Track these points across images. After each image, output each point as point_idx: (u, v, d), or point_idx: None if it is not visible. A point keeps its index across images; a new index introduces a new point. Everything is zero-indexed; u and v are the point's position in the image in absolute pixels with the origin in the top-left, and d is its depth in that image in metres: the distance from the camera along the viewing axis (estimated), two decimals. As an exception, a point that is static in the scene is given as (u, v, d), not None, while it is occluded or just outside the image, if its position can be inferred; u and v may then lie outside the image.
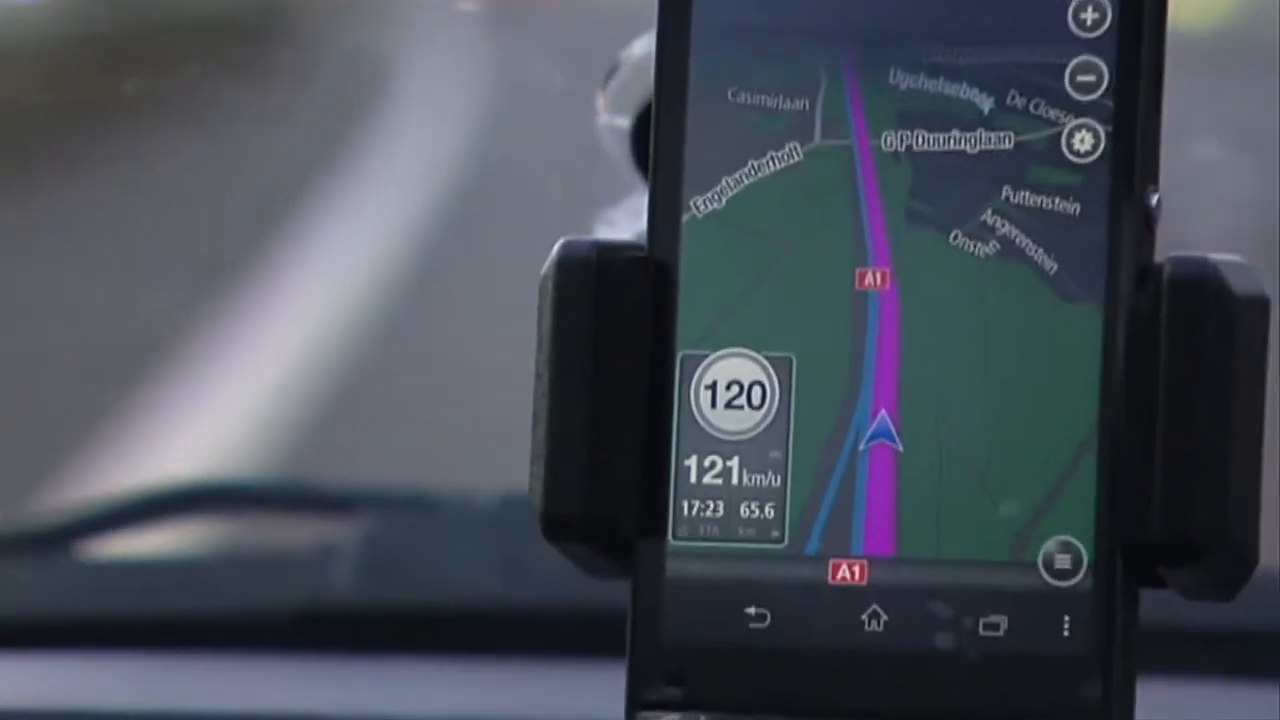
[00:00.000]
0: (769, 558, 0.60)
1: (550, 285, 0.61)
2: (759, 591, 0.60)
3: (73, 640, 0.97)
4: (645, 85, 0.64)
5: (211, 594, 1.01)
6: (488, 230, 8.00)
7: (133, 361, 6.70)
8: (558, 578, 0.63)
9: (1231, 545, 0.59)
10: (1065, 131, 0.59)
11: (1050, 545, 0.58)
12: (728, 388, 0.60)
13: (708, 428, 0.61)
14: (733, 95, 0.61)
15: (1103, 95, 0.59)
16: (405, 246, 9.11)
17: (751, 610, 0.60)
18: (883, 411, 0.59)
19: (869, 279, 0.60)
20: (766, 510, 0.60)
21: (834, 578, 0.59)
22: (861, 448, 0.59)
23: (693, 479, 0.60)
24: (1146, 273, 0.59)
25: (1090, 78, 0.59)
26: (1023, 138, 0.60)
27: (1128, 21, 0.59)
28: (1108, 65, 0.59)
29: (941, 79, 0.61)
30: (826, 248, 0.61)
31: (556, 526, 0.61)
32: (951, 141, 0.60)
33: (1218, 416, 0.59)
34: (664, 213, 0.61)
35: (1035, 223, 0.60)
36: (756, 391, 0.60)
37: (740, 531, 0.60)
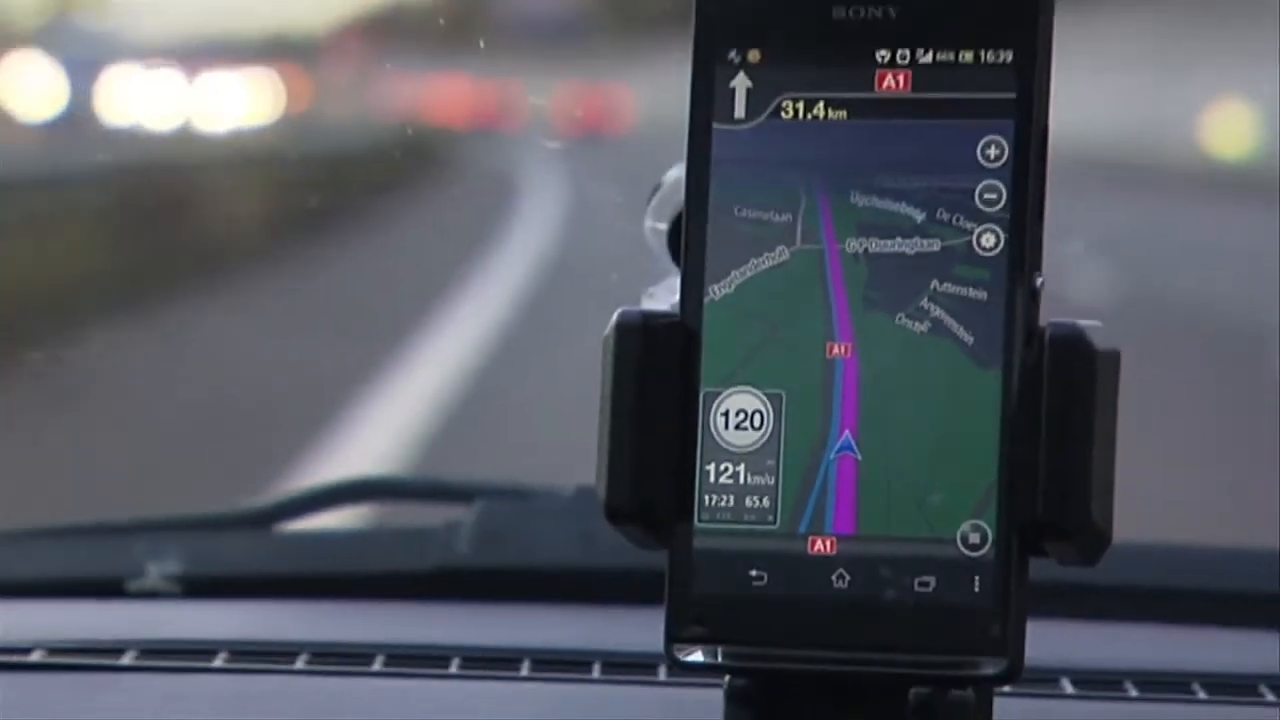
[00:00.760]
0: (766, 535, 0.60)
1: (610, 341, 0.61)
2: (759, 559, 0.60)
3: (272, 592, 0.98)
4: (677, 201, 0.63)
5: (370, 558, 1.01)
6: (567, 299, 8.01)
7: (321, 394, 6.75)
8: (616, 548, 0.63)
9: (1093, 528, 0.59)
10: (975, 236, 0.59)
11: (965, 527, 0.59)
12: (737, 414, 0.60)
13: (722, 442, 0.60)
14: (738, 211, 0.61)
15: (1002, 209, 0.59)
16: (515, 309, 9.16)
17: (754, 572, 0.60)
18: (847, 432, 0.59)
19: (836, 350, 0.60)
20: (764, 501, 0.60)
21: (812, 549, 0.59)
22: (831, 457, 0.59)
23: (711, 479, 0.60)
24: (1033, 334, 0.59)
25: (993, 195, 0.59)
26: (947, 243, 0.59)
27: (1019, 156, 0.59)
28: (1005, 187, 0.59)
29: (887, 199, 0.60)
30: (806, 325, 0.60)
31: (615, 513, 0.61)
32: (895, 245, 0.60)
33: (1084, 437, 0.59)
34: (691, 294, 0.61)
35: (956, 306, 0.60)
36: (757, 417, 0.60)
37: (746, 517, 0.60)
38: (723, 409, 0.61)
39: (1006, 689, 0.61)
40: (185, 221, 13.51)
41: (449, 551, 0.96)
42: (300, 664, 0.83)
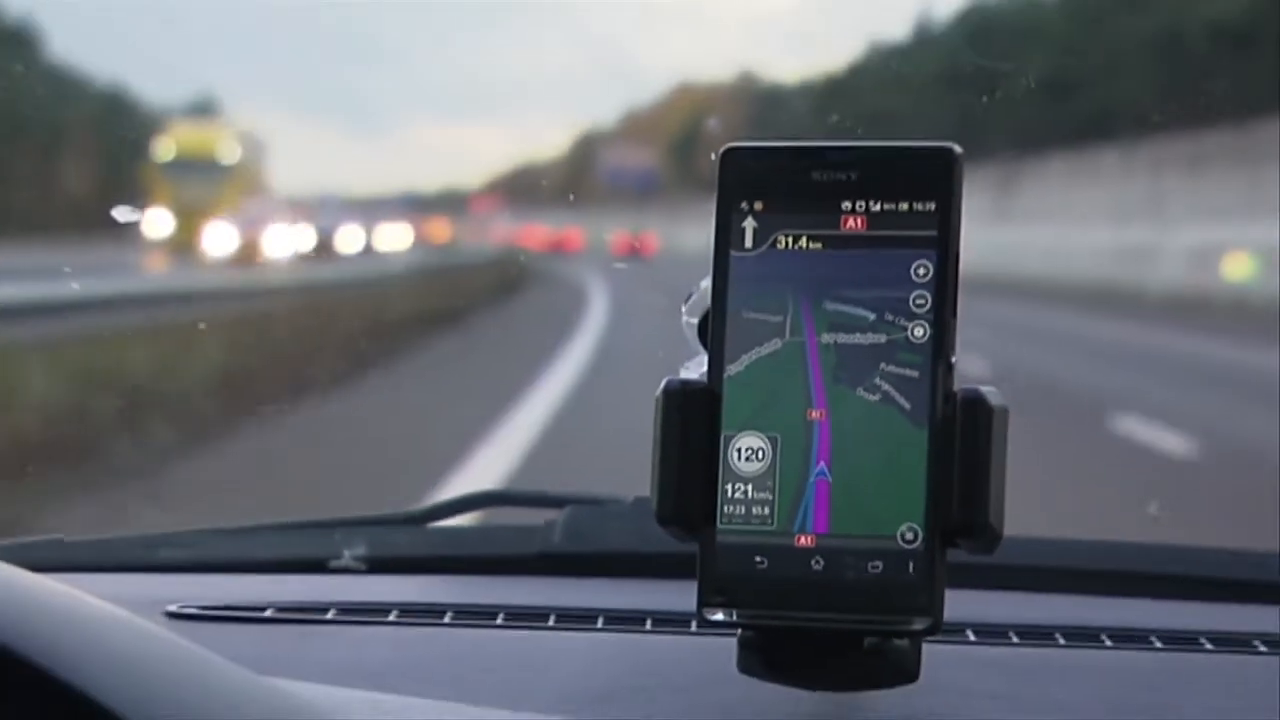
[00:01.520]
0: (766, 534, 0.60)
1: (660, 401, 0.61)
2: (761, 550, 0.60)
3: (427, 569, 0.97)
4: (705, 304, 0.62)
5: (493, 545, 1.00)
6: (628, 370, 7.94)
7: (452, 438, 6.65)
8: (662, 540, 0.63)
9: (990, 528, 0.59)
10: (910, 330, 0.59)
11: (903, 528, 0.59)
12: (746, 451, 0.60)
13: (736, 470, 0.60)
14: (746, 313, 0.61)
15: (928, 311, 0.59)
16: (588, 377, 9.10)
17: (758, 559, 0.60)
18: (822, 463, 0.60)
19: (813, 414, 0.60)
20: (765, 511, 0.60)
21: (798, 544, 0.60)
22: (811, 481, 0.60)
23: (729, 495, 0.60)
24: (949, 396, 0.59)
25: (922, 301, 0.59)
26: (891, 336, 0.60)
27: (940, 274, 0.59)
28: (930, 295, 0.59)
29: (849, 305, 0.60)
30: (793, 395, 0.60)
31: (662, 518, 0.61)
32: (855, 338, 0.60)
33: (984, 467, 0.59)
34: (715, 369, 0.61)
35: (898, 381, 0.59)
36: (761, 453, 0.60)
37: (752, 521, 0.60)
38: (736, 446, 0.60)
39: (930, 638, 0.61)
40: (371, 308, 13.52)
41: (547, 542, 0.95)
42: (446, 619, 0.83)
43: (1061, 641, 0.82)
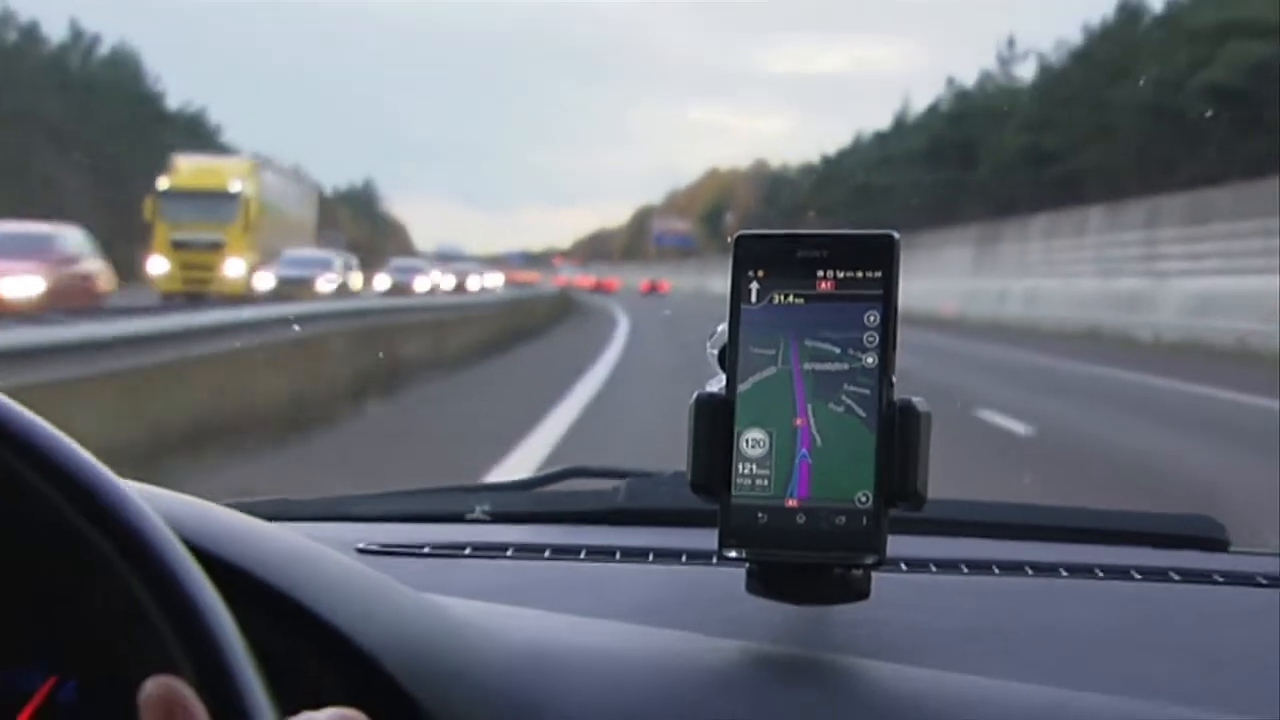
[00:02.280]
0: (766, 498, 0.59)
1: (693, 407, 0.60)
2: (762, 509, 0.59)
3: (532, 520, 0.95)
4: (722, 341, 0.61)
5: (577, 504, 0.98)
6: (667, 380, 7.95)
7: (526, 421, 6.56)
8: (695, 501, 0.61)
9: (918, 494, 0.58)
10: (864, 360, 0.59)
11: (859, 495, 0.58)
12: (752, 441, 0.60)
13: (745, 454, 0.59)
14: (751, 348, 0.60)
15: (876, 347, 0.59)
16: (636, 395, 9.00)
17: (760, 515, 0.59)
18: (804, 449, 0.59)
19: (798, 421, 0.59)
20: (765, 482, 0.59)
21: (787, 505, 0.59)
22: (797, 462, 0.59)
23: (740, 471, 0.60)
24: (891, 404, 0.58)
25: (872, 340, 0.58)
26: (851, 365, 0.59)
27: (884, 321, 0.59)
28: (877, 336, 0.59)
29: (823, 343, 0.59)
30: (783, 407, 0.59)
31: (695, 486, 0.60)
32: (827, 367, 0.59)
33: (915, 451, 0.58)
34: (730, 386, 0.60)
35: (857, 397, 0.59)
36: (763, 443, 0.59)
37: (756, 489, 0.59)
38: (745, 438, 0.60)
39: (876, 569, 0.60)
40: (458, 329, 13.38)
41: (614, 502, 0.93)
42: (545, 555, 0.83)
43: (965, 571, 0.81)
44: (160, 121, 40.31)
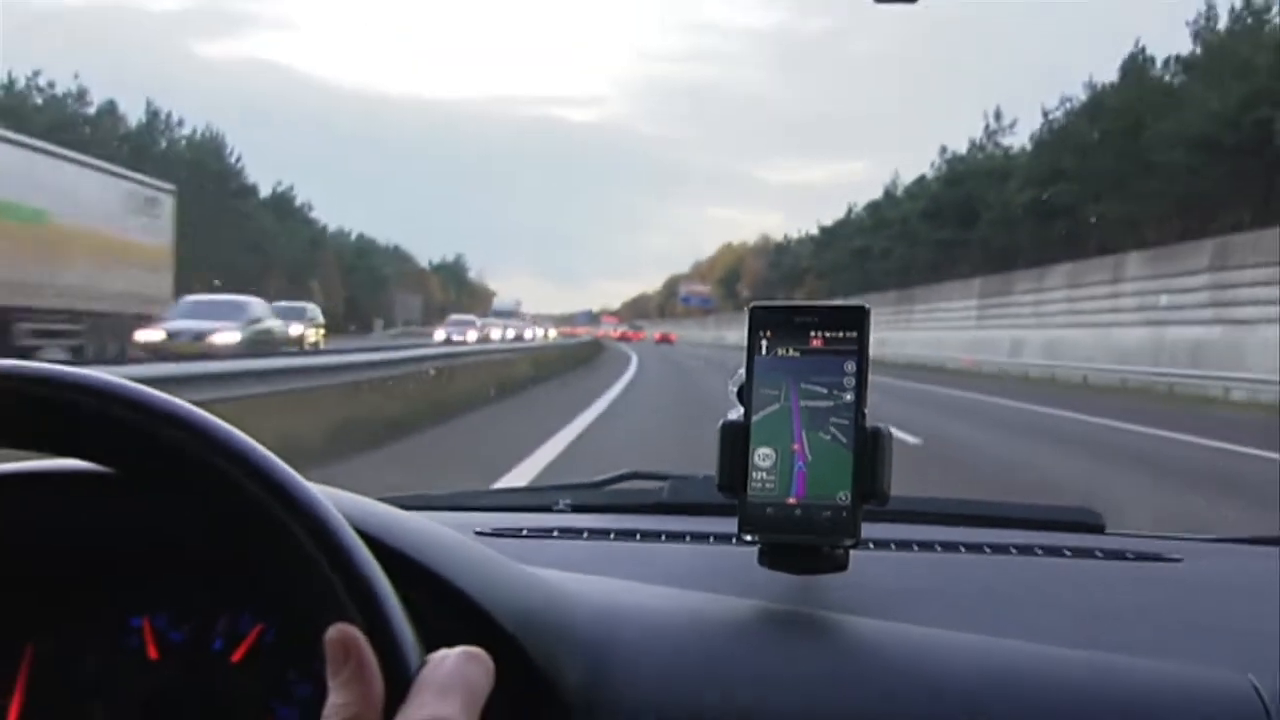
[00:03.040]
0: (772, 496, 0.58)
1: (720, 430, 0.59)
2: (770, 504, 0.58)
3: (600, 510, 0.91)
4: (740, 382, 0.59)
5: (634, 499, 0.93)
6: (647, 363, 7.85)
7: (531, 442, 6.19)
8: (720, 498, 0.59)
9: (883, 494, 0.57)
10: (844, 398, 0.57)
11: (840, 494, 0.57)
12: (762, 455, 0.58)
13: (756, 465, 0.58)
14: (761, 389, 0.58)
15: (854, 389, 0.58)
16: (635, 365, 8.92)
17: (768, 509, 0.58)
18: (800, 463, 0.58)
19: (795, 447, 0.58)
20: (772, 485, 0.58)
21: (788, 502, 0.58)
22: (795, 471, 0.58)
23: (753, 478, 0.58)
24: (864, 430, 0.57)
25: (850, 383, 0.57)
26: (834, 403, 0.58)
27: (858, 369, 0.57)
28: (854, 380, 0.57)
29: (815, 385, 0.58)
30: (785, 435, 0.58)
31: (721, 487, 0.59)
32: (817, 404, 0.58)
33: (881, 461, 0.57)
34: (746, 417, 0.58)
35: (838, 426, 0.57)
36: (771, 456, 0.58)
37: (766, 490, 0.58)
38: (757, 453, 0.58)
39: (853, 549, 0.58)
40: (511, 366, 13.27)
41: (660, 497, 0.91)
42: (610, 538, 0.80)
43: (917, 549, 0.79)
44: (240, 195, 35.04)
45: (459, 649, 0.32)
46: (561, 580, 0.58)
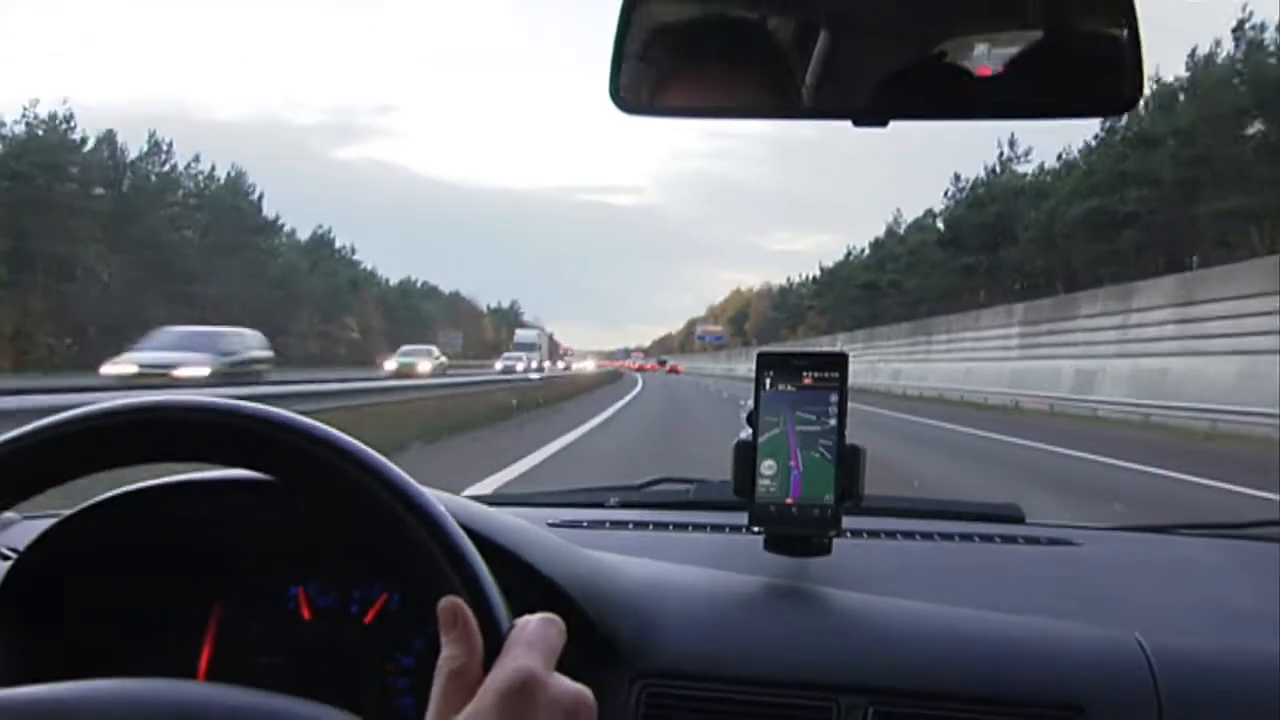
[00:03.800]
0: (774, 498, 0.57)
1: (735, 449, 0.57)
2: (772, 504, 0.57)
3: (639, 506, 0.87)
4: (748, 409, 0.58)
5: (667, 498, 0.89)
6: (649, 386, 7.47)
7: (604, 398, 5.98)
8: (734, 498, 0.57)
9: (859, 495, 0.56)
10: (830, 422, 0.57)
11: (826, 496, 0.56)
12: (767, 466, 0.57)
13: (762, 473, 0.57)
14: (766, 416, 0.57)
15: (837, 416, 0.57)
16: (639, 389, 8.45)
17: (771, 507, 0.57)
18: (797, 470, 0.57)
19: (791, 463, 0.57)
20: (774, 489, 0.57)
21: (787, 502, 0.57)
22: (792, 479, 0.57)
23: (761, 484, 0.57)
24: (844, 448, 0.56)
25: (834, 409, 0.55)
26: (822, 428, 0.57)
27: (839, 399, 0.56)
28: (836, 408, 0.56)
29: (807, 413, 0.55)
30: (784, 452, 0.57)
31: (735, 490, 0.57)
32: (809, 429, 0.56)
33: (857, 473, 0.55)
34: (755, 437, 0.57)
35: (825, 446, 0.56)
36: (773, 467, 0.57)
37: (770, 493, 0.57)
38: (763, 465, 0.57)
39: (837, 537, 0.57)
40: (546, 390, 12.57)
41: (688, 496, 0.88)
42: (650, 528, 0.76)
43: (883, 538, 0.75)
44: (261, 231, 31.40)
45: (539, 615, 0.33)
46: (614, 561, 0.57)
